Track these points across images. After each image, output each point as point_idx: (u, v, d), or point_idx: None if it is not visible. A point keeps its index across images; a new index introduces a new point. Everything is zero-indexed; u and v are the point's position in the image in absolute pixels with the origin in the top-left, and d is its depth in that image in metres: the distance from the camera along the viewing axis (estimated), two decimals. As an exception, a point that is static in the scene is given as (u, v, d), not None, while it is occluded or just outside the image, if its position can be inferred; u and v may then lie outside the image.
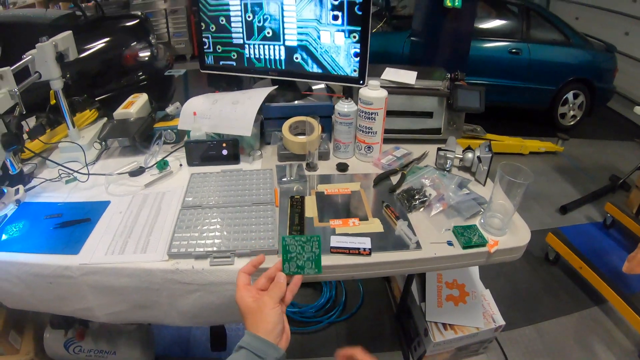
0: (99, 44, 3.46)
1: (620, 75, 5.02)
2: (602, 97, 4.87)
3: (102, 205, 1.28)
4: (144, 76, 3.65)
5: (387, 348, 2.13)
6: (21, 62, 1.34)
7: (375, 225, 1.16)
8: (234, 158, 1.44)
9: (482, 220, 1.19)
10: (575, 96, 4.73)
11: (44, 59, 1.37)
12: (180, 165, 1.45)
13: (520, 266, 2.79)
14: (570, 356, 2.19)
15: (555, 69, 4.58)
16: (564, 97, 4.70)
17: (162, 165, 1.39)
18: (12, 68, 1.28)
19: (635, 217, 3.04)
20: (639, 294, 2.60)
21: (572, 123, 4.89)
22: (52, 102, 1.55)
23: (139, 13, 4.09)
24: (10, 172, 1.34)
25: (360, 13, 1.35)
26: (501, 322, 1.89)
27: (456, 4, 3.14)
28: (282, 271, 0.85)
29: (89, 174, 1.39)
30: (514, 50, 4.48)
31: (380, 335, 2.22)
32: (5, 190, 1.27)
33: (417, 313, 1.94)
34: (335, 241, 1.07)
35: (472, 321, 1.87)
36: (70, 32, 1.50)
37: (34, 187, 1.39)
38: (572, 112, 4.82)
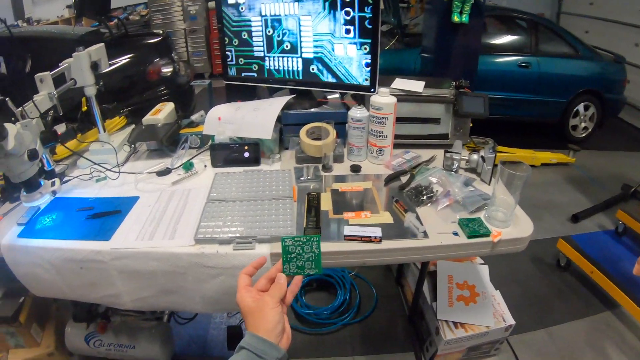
0: (124, 59, 3.62)
1: (631, 86, 5.06)
2: (612, 108, 4.89)
3: (132, 200, 1.38)
4: (166, 90, 3.77)
5: (399, 349, 2.17)
6: (59, 69, 1.46)
7: (385, 218, 1.25)
8: (255, 160, 1.54)
9: (486, 214, 1.27)
10: (586, 108, 4.75)
11: (80, 67, 1.49)
12: (205, 166, 1.55)
13: (532, 272, 2.81)
14: (583, 359, 2.19)
15: (565, 82, 4.62)
16: (575, 109, 4.73)
17: (188, 166, 1.50)
18: (52, 73, 1.40)
19: (647, 223, 2.98)
20: (653, 298, 2.61)
21: (583, 135, 4.90)
22: (84, 108, 1.67)
23: (161, 31, 4.25)
24: (45, 167, 1.46)
25: (370, 27, 1.46)
26: (511, 321, 1.93)
27: (463, 19, 3.23)
28: (282, 272, 0.84)
29: (119, 172, 1.49)
30: (523, 64, 4.52)
31: (393, 337, 2.26)
32: (42, 182, 1.36)
33: (429, 313, 2.00)
34: (348, 230, 1.17)
35: (482, 320, 1.91)
36: (102, 44, 1.62)
37: (67, 181, 1.50)
38: (583, 124, 4.84)
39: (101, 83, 1.62)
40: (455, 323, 1.90)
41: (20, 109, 1.29)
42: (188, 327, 2.23)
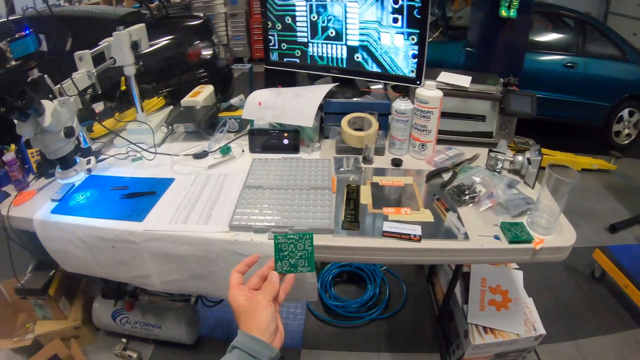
0: (165, 41, 3.64)
1: (679, 94, 4.82)
2: (658, 116, 4.66)
3: (167, 182, 1.37)
4: (205, 73, 3.79)
5: (425, 349, 2.13)
6: (99, 47, 1.46)
7: (425, 216, 1.21)
8: (294, 148, 1.52)
9: (529, 219, 1.21)
10: (631, 114, 4.55)
11: (120, 45, 1.49)
12: (243, 151, 1.54)
13: (565, 281, 2.72)
14: (611, 376, 2.10)
15: (610, 85, 4.43)
16: (619, 115, 4.54)
17: (226, 150, 1.49)
18: (91, 52, 1.40)
19: (689, 240, 2.86)
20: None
21: (626, 142, 4.69)
22: (123, 88, 1.67)
23: (202, 14, 4.26)
24: (81, 145, 1.46)
25: (419, 16, 1.40)
26: (542, 331, 1.87)
27: (511, 14, 3.12)
28: (274, 270, 0.84)
29: (156, 153, 1.49)
30: (569, 64, 4.36)
31: (420, 336, 2.22)
32: (78, 160, 1.37)
33: (459, 315, 1.95)
34: (387, 226, 1.13)
35: (513, 327, 1.86)
36: (143, 24, 1.61)
37: (102, 160, 1.51)
38: (627, 130, 4.63)
39: (141, 63, 1.61)
40: (485, 328, 1.85)
41: (58, 86, 1.30)
42: (215, 310, 2.24)
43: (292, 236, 0.82)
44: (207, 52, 3.80)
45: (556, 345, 2.24)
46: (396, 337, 2.22)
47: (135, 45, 1.56)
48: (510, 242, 1.13)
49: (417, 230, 1.12)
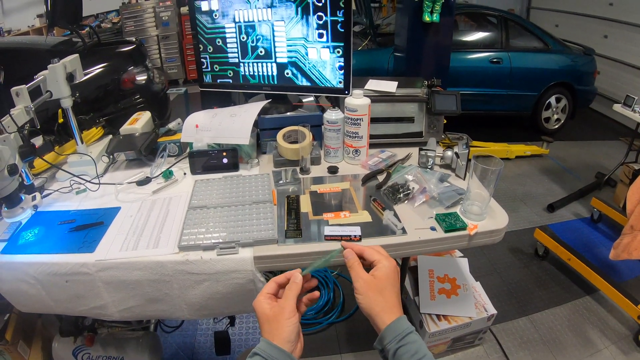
0: (98, 69, 3.58)
1: (601, 77, 5.20)
2: (584, 99, 5.00)
3: (114, 211, 1.37)
4: (141, 99, 3.75)
5: (386, 344, 2.20)
6: (34, 82, 1.45)
7: (364, 217, 1.28)
8: (233, 166, 1.56)
9: (462, 209, 1.31)
10: (558, 100, 4.85)
11: (55, 78, 1.48)
12: (185, 174, 1.56)
13: (511, 262, 2.87)
14: (566, 343, 2.24)
15: (536, 75, 4.71)
16: (547, 102, 4.82)
17: (168, 174, 1.50)
18: (27, 86, 1.40)
19: (621, 210, 3.06)
20: (630, 281, 2.68)
21: (556, 126, 5.00)
22: (60, 120, 1.66)
23: (134, 39, 4.21)
24: (25, 182, 1.45)
25: (342, 30, 1.49)
26: (493, 311, 1.98)
27: (434, 18, 3.27)
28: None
29: (99, 184, 1.49)
30: (494, 60, 4.60)
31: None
32: (23, 197, 1.35)
33: (412, 307, 2.03)
34: (328, 230, 1.19)
35: (464, 311, 1.96)
36: (77, 55, 1.60)
37: (47, 195, 1.48)
38: (555, 116, 4.94)
39: (77, 94, 1.61)
40: (438, 316, 1.95)
41: (-4, 123, 1.29)
42: (175, 335, 2.23)
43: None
44: (141, 78, 3.77)
45: (510, 323, 2.36)
46: (356, 337, 2.27)
47: (70, 77, 1.55)
48: (446, 231, 1.22)
49: (356, 231, 1.19)
